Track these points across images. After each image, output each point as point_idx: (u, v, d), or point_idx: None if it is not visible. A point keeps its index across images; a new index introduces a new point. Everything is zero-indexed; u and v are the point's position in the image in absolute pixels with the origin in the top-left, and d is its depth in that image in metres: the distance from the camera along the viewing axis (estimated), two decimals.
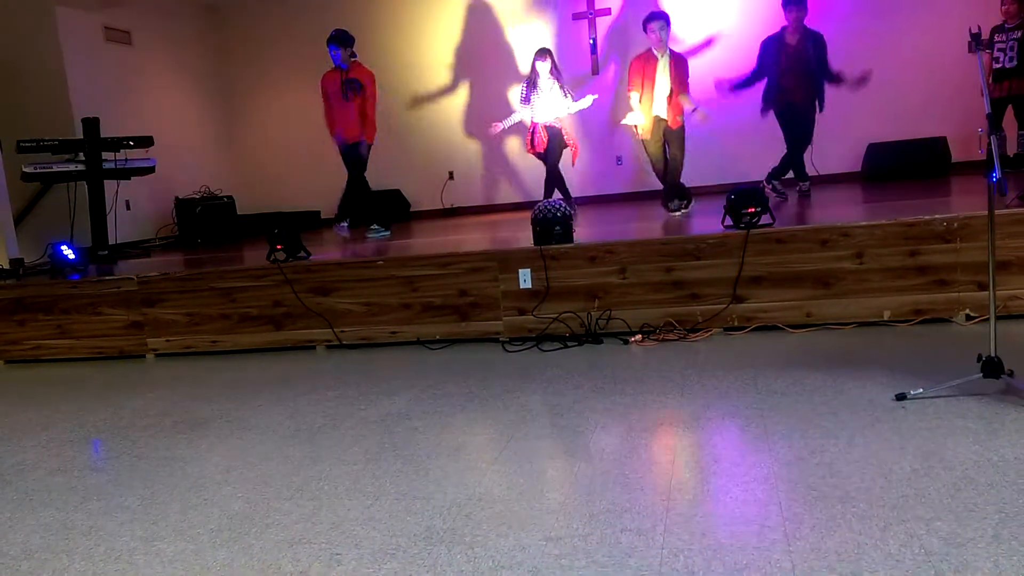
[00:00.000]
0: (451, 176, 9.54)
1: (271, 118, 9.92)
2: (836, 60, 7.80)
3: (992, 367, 2.83)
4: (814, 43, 6.22)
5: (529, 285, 4.51)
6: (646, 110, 6.00)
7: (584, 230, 5.41)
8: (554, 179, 6.92)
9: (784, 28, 6.29)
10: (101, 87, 8.12)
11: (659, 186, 6.58)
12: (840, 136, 8.16)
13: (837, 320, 4.16)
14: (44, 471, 3.09)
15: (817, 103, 6.32)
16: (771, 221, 4.31)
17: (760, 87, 6.40)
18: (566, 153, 6.96)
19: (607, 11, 8.80)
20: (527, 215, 4.86)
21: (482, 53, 9.20)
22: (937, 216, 4.04)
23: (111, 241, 7.16)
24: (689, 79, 6.01)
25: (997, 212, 3.11)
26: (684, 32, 8.41)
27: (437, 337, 4.69)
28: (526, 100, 6.84)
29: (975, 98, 4.15)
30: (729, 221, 4.38)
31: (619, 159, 8.95)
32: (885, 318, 4.11)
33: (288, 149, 9.75)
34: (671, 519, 2.14)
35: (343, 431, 3.22)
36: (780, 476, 2.35)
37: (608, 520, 2.17)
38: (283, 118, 9.78)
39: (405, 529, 2.24)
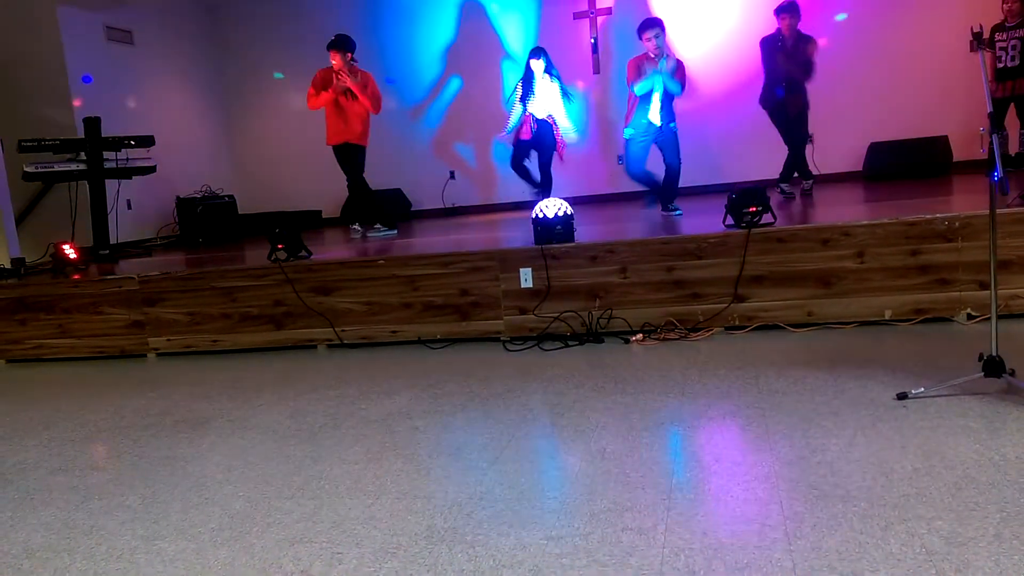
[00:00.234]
0: (452, 175, 9.54)
1: (272, 117, 9.92)
2: (838, 58, 7.82)
3: (993, 366, 2.83)
4: (809, 48, 6.24)
5: (530, 284, 4.51)
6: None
7: (585, 229, 5.40)
8: (544, 178, 6.94)
9: (779, 30, 6.31)
10: (102, 86, 8.12)
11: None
12: (842, 135, 8.16)
13: (838, 319, 4.15)
14: (45, 470, 3.10)
15: (806, 105, 6.34)
16: (772, 220, 4.31)
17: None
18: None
19: (608, 10, 8.79)
20: (528, 214, 4.86)
21: (484, 52, 9.20)
22: (938, 215, 4.03)
23: (112, 240, 7.17)
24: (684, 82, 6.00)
25: (998, 211, 3.10)
26: (683, 34, 8.42)
27: (438, 336, 4.69)
28: (522, 100, 6.85)
29: (976, 97, 4.15)
30: (730, 220, 4.38)
31: (620, 158, 8.95)
32: (886, 317, 4.10)
33: (289, 149, 9.75)
34: (672, 518, 2.14)
35: (344, 430, 3.22)
36: (781, 475, 2.35)
37: (609, 519, 2.17)
38: (284, 117, 9.79)
39: (406, 528, 2.24)
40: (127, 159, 7.21)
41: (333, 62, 6.36)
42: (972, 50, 2.98)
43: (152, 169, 7.48)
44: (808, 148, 6.90)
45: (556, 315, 4.47)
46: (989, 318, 2.92)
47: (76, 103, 7.74)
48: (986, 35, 6.25)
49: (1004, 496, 2.09)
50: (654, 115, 5.89)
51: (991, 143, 2.71)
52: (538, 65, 6.69)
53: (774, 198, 6.16)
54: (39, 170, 6.70)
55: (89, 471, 3.04)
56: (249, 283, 4.96)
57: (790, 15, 6.24)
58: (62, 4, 7.71)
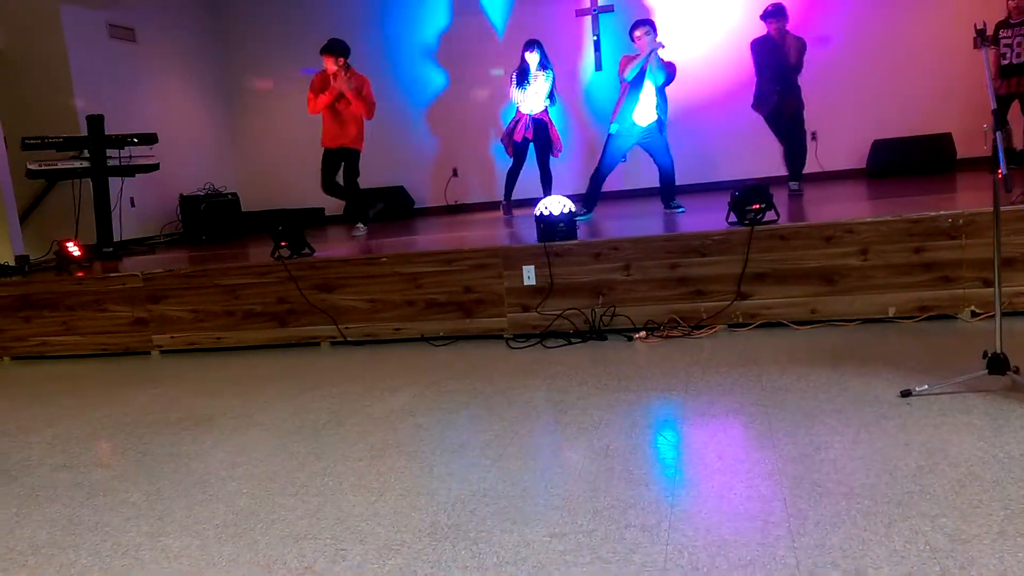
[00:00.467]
0: (455, 173, 9.54)
1: (275, 115, 9.92)
2: (841, 55, 7.80)
3: (997, 364, 2.82)
4: (798, 48, 6.23)
5: (533, 282, 4.51)
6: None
7: (588, 227, 5.41)
8: (544, 175, 6.98)
9: (769, 33, 6.32)
10: (105, 84, 8.13)
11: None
12: (845, 133, 8.14)
13: (842, 317, 4.15)
14: (50, 467, 3.11)
15: (801, 103, 6.33)
16: (776, 218, 4.30)
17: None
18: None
19: (611, 8, 8.77)
20: (531, 212, 4.86)
21: (486, 49, 9.19)
22: (942, 212, 4.02)
23: (116, 238, 7.18)
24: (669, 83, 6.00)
25: (1003, 208, 3.10)
26: (683, 32, 8.40)
27: (441, 334, 4.70)
28: (519, 86, 6.88)
29: (980, 94, 4.13)
30: (734, 218, 4.37)
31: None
32: (890, 315, 4.10)
33: (292, 146, 9.74)
34: (675, 515, 2.14)
35: (348, 427, 3.23)
36: (784, 472, 2.35)
37: (612, 516, 2.17)
38: (287, 115, 9.77)
39: (410, 525, 2.25)
40: (130, 157, 7.22)
41: (326, 66, 6.39)
42: (976, 47, 2.96)
43: (155, 167, 7.48)
44: (812, 145, 6.89)
45: (559, 312, 4.47)
46: (993, 315, 2.91)
47: (79, 101, 7.74)
48: (990, 32, 6.24)
49: (1008, 493, 2.08)
50: (639, 114, 5.88)
51: (995, 140, 2.70)
52: (532, 57, 6.72)
53: (784, 196, 6.17)
54: (42, 168, 6.71)
55: (93, 468, 3.05)
56: (252, 280, 4.96)
57: (776, 19, 6.27)
58: (65, 2, 7.71)
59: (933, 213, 4.04)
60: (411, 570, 1.99)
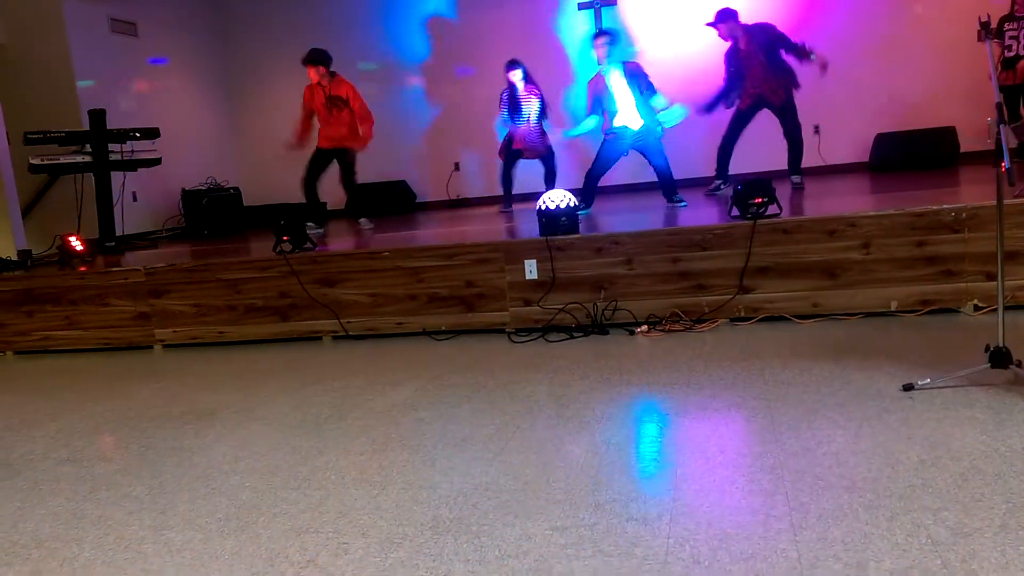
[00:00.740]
0: (457, 167, 9.53)
1: (277, 109, 9.89)
2: (844, 49, 7.75)
3: (1000, 357, 2.82)
4: (763, 36, 6.17)
5: (535, 276, 4.51)
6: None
7: (590, 221, 5.40)
8: (550, 172, 7.04)
9: (734, 39, 6.31)
10: (107, 79, 8.13)
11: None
12: (848, 126, 8.13)
13: (844, 311, 4.15)
14: (53, 461, 3.11)
15: (792, 88, 6.26)
16: (778, 211, 4.30)
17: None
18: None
19: (614, 0, 8.75)
20: (533, 206, 4.85)
21: (487, 43, 9.17)
22: (945, 206, 4.02)
23: (118, 233, 7.19)
24: (651, 81, 5.98)
25: (1006, 202, 3.09)
26: (683, 27, 8.38)
27: (443, 328, 4.70)
28: (511, 118, 6.97)
29: (984, 88, 4.12)
30: (736, 211, 4.36)
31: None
32: (892, 308, 4.09)
33: None
34: (677, 508, 2.14)
35: (350, 421, 3.23)
36: (786, 466, 2.35)
37: (614, 510, 2.18)
38: (289, 109, 9.70)
39: (412, 518, 2.25)
40: (132, 151, 7.23)
41: (310, 76, 6.44)
42: (980, 40, 2.96)
43: (157, 161, 7.49)
44: (814, 139, 6.85)
45: (561, 306, 4.47)
46: (996, 309, 2.91)
47: (81, 95, 7.74)
48: (994, 25, 6.21)
49: (1010, 487, 2.08)
50: (628, 119, 5.87)
51: (998, 133, 2.69)
52: (516, 75, 6.80)
53: (786, 190, 6.15)
54: (45, 162, 6.72)
55: (96, 461, 3.05)
56: (254, 275, 4.97)
57: (720, 24, 6.25)
58: None
59: (936, 207, 4.03)
60: (413, 563, 2.00)
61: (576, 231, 4.56)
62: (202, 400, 3.81)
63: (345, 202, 7.13)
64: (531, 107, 6.88)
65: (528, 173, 7.33)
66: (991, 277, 3.92)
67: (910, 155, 7.61)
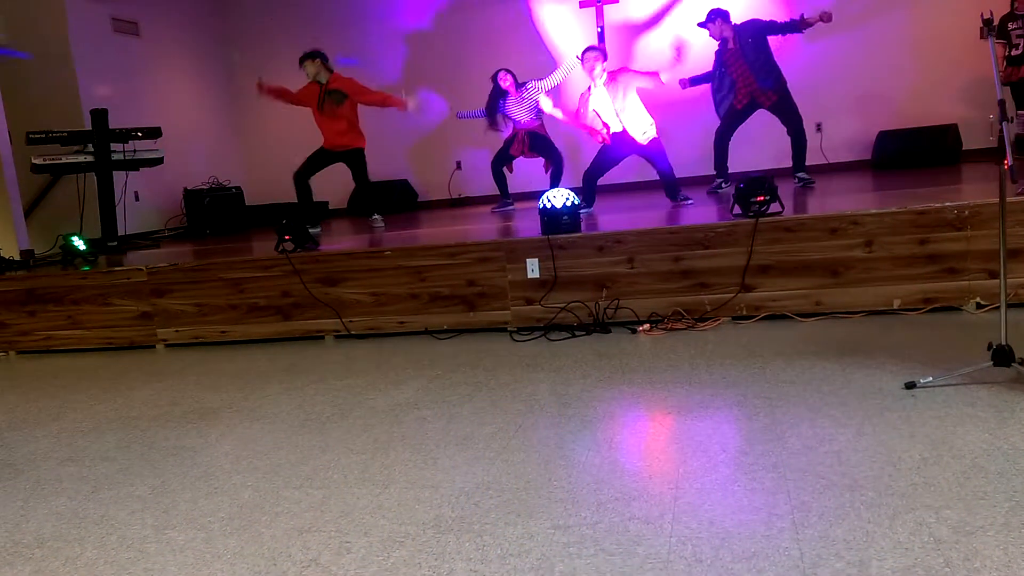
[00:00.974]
0: (459, 166, 9.53)
1: (279, 108, 9.83)
2: (847, 47, 7.72)
3: (1002, 355, 2.81)
4: (751, 32, 6.15)
5: (537, 275, 4.51)
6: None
7: (592, 220, 5.40)
8: (555, 168, 7.04)
9: (723, 40, 6.30)
10: (109, 78, 8.13)
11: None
12: (850, 124, 8.11)
13: (846, 309, 4.14)
14: (56, 460, 3.12)
15: (781, 87, 6.23)
16: (780, 209, 4.29)
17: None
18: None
19: None
20: (535, 205, 4.85)
21: (490, 42, 9.17)
22: (948, 204, 4.01)
23: (120, 232, 7.20)
24: (630, 69, 5.98)
25: (1009, 200, 3.09)
26: (682, 25, 8.36)
27: (445, 327, 4.70)
28: (488, 113, 7.04)
29: (986, 85, 4.11)
30: (738, 209, 4.36)
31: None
32: (895, 307, 4.09)
33: (296, 139, 9.66)
34: (679, 507, 2.14)
35: (352, 420, 3.23)
36: (788, 465, 2.34)
37: (616, 508, 2.18)
38: (291, 108, 9.73)
39: (414, 517, 2.25)
40: (134, 151, 7.23)
41: (307, 72, 6.47)
42: (982, 37, 2.94)
43: (159, 161, 7.50)
44: (817, 137, 6.83)
45: (563, 305, 4.47)
46: (998, 307, 2.90)
47: (83, 95, 7.75)
48: (996, 22, 6.19)
49: (1013, 485, 2.08)
50: (636, 132, 5.85)
51: (1001, 131, 2.69)
52: (506, 79, 6.87)
53: (791, 187, 6.13)
54: (47, 162, 6.73)
55: (99, 461, 3.06)
56: (257, 274, 4.97)
57: (710, 24, 6.24)
58: None
59: (938, 204, 4.02)
60: (415, 563, 2.00)
61: (578, 230, 4.56)
62: (204, 399, 3.81)
63: (355, 198, 7.13)
64: (529, 102, 6.89)
65: (528, 173, 7.33)
66: (994, 275, 3.91)
67: (912, 153, 7.59)
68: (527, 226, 5.37)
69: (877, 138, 8.00)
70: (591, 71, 5.87)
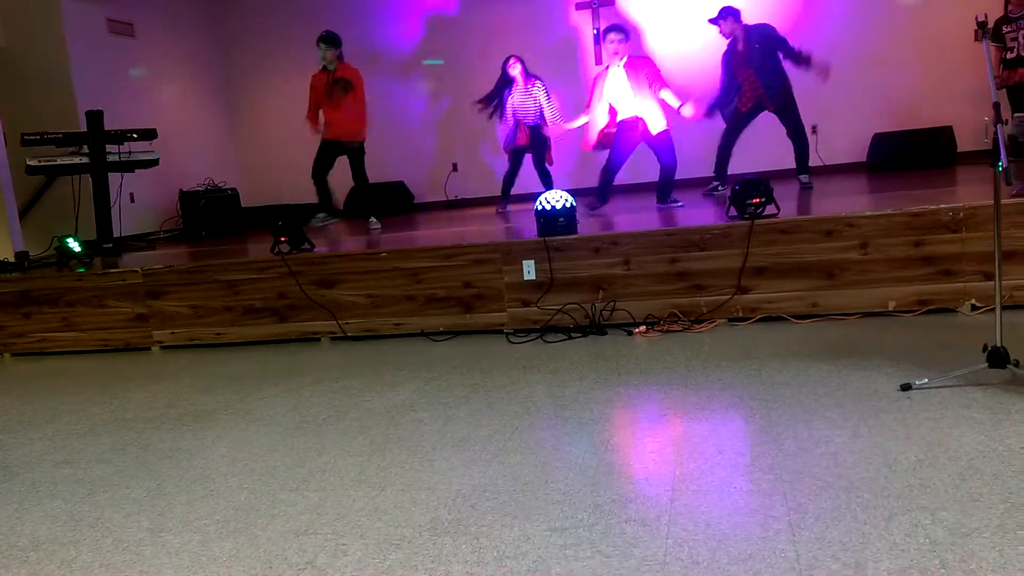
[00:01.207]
0: (455, 168, 9.53)
1: (275, 109, 9.91)
2: (842, 49, 7.72)
3: (998, 357, 2.82)
4: (760, 38, 6.15)
5: (533, 276, 4.51)
6: (593, 123, 6.04)
7: (588, 221, 5.40)
8: (542, 175, 7.03)
9: (732, 39, 6.29)
10: (104, 80, 8.12)
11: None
12: (845, 126, 8.13)
13: (842, 311, 4.15)
14: (51, 463, 3.11)
15: (787, 91, 6.24)
16: (776, 212, 4.30)
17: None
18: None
19: (612, 1, 8.76)
20: (531, 206, 4.85)
21: (486, 44, 9.17)
22: (943, 206, 4.02)
23: (115, 234, 7.18)
24: (661, 75, 5.91)
25: (1003, 202, 3.09)
26: (680, 27, 8.39)
27: (441, 329, 4.70)
28: (496, 102, 7.00)
29: (981, 87, 4.13)
30: (734, 211, 4.37)
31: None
32: (890, 308, 4.10)
33: (292, 141, 9.69)
34: (675, 509, 2.14)
35: (348, 422, 3.23)
36: (784, 466, 2.35)
37: (612, 510, 2.18)
38: (287, 109, 9.75)
39: (410, 520, 2.25)
40: (130, 152, 7.22)
41: (326, 57, 6.42)
42: (977, 39, 2.95)
43: (155, 162, 7.48)
44: (812, 139, 6.84)
45: (559, 307, 4.47)
46: (993, 309, 2.91)
47: (79, 96, 7.73)
48: (991, 25, 6.20)
49: (1008, 487, 2.09)
50: (653, 124, 5.84)
51: (995, 133, 2.70)
52: (515, 68, 6.83)
53: (788, 189, 6.14)
54: (42, 164, 6.71)
55: (94, 463, 3.05)
56: (252, 276, 4.96)
57: (721, 21, 6.22)
58: None
59: (933, 207, 4.03)
60: (411, 565, 2.00)
61: (574, 231, 4.56)
62: (200, 401, 3.81)
63: (352, 195, 7.11)
64: (535, 94, 6.87)
65: (525, 174, 7.32)
66: (989, 277, 3.92)
67: (908, 155, 7.61)
68: (523, 228, 5.37)
69: (872, 140, 8.01)
70: (614, 53, 5.83)
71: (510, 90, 6.96)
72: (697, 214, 5.33)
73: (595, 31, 8.84)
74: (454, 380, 3.71)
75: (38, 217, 7.68)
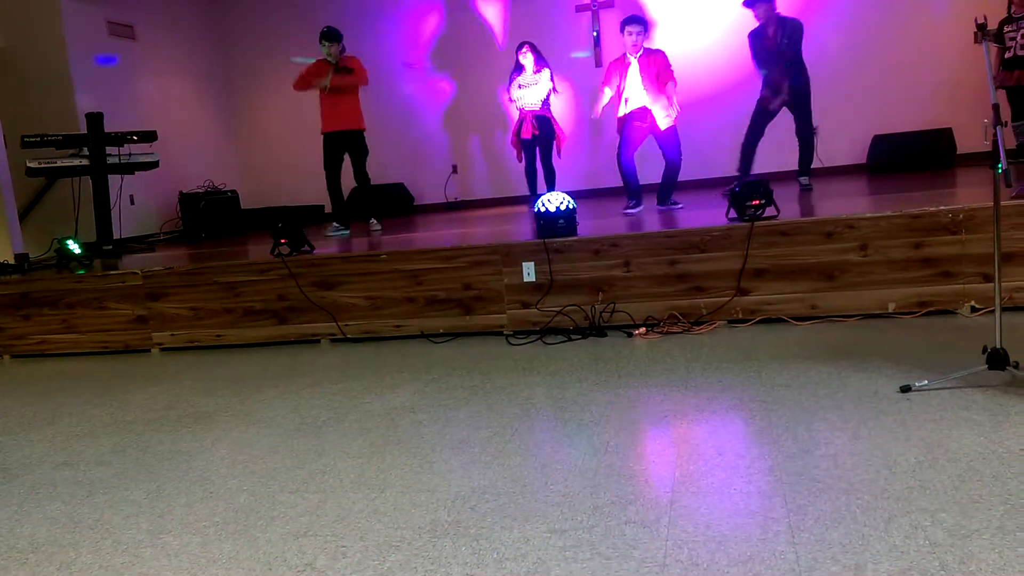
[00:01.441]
0: (455, 170, 9.53)
1: (275, 111, 9.91)
2: (841, 50, 7.70)
3: (997, 359, 2.82)
4: (789, 33, 6.12)
5: (533, 278, 4.51)
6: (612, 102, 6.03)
7: (588, 223, 5.40)
8: (547, 171, 6.97)
9: (763, 25, 6.28)
10: (104, 82, 8.12)
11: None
12: (845, 128, 8.13)
13: (842, 312, 4.15)
14: (50, 465, 3.11)
15: (807, 89, 6.24)
16: (776, 213, 4.30)
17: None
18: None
19: (611, 3, 8.77)
20: (531, 208, 4.85)
21: (486, 46, 9.18)
22: (942, 208, 4.02)
23: (115, 236, 7.18)
24: (672, 70, 5.89)
25: (1003, 203, 3.09)
26: (680, 28, 8.40)
27: (441, 331, 4.70)
28: (519, 86, 6.92)
29: (981, 89, 4.14)
30: (733, 213, 4.37)
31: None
32: (890, 310, 4.10)
33: (292, 143, 9.73)
34: (675, 511, 2.14)
35: (348, 424, 3.23)
36: (784, 468, 2.35)
37: (612, 512, 2.17)
38: (287, 111, 9.77)
39: (410, 522, 2.25)
40: (130, 154, 7.21)
41: (332, 52, 6.41)
42: (976, 41, 2.96)
43: (155, 164, 7.48)
44: (812, 141, 6.82)
45: (559, 309, 4.47)
46: (993, 311, 2.91)
47: (79, 98, 7.74)
48: (992, 26, 6.20)
49: (1008, 488, 2.08)
50: (660, 120, 5.81)
51: (995, 135, 2.70)
52: (527, 57, 6.77)
53: (790, 191, 6.14)
54: (42, 166, 6.71)
55: (94, 465, 3.05)
56: (252, 278, 4.96)
57: (755, 6, 6.20)
58: None
59: (933, 208, 4.04)
60: (411, 567, 1.99)
61: (574, 233, 4.56)
62: (199, 403, 3.81)
63: (353, 196, 7.07)
64: (540, 82, 6.83)
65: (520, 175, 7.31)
66: (988, 279, 3.92)
67: (907, 157, 7.62)
68: (523, 230, 5.37)
69: (872, 142, 8.02)
70: (633, 45, 5.82)
71: (518, 74, 6.84)
72: (697, 216, 5.33)
73: (594, 33, 8.84)
74: (454, 382, 3.71)
75: (38, 219, 7.68)
